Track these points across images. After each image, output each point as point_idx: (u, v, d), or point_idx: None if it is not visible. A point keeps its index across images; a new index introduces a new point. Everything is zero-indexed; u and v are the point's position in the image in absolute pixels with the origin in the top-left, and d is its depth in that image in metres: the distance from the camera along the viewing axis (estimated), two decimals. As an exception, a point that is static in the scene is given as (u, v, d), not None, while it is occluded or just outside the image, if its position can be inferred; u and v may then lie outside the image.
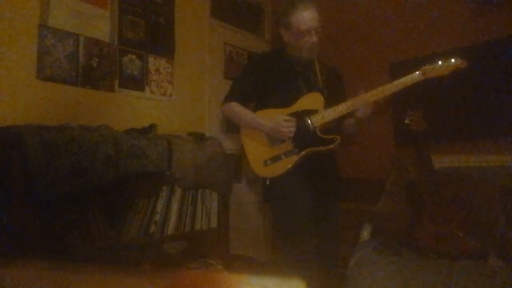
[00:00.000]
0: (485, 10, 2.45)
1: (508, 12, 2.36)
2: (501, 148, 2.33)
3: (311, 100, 1.84)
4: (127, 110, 2.52)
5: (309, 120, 1.80)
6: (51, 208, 1.75)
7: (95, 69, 2.36)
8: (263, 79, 1.90)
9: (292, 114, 1.82)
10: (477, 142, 2.43)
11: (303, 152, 1.78)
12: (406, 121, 1.94)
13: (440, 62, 1.73)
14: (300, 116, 1.81)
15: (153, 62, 2.69)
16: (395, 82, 1.75)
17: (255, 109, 1.96)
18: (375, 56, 2.96)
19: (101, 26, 2.41)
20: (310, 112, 1.81)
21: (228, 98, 1.95)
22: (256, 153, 1.84)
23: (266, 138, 1.84)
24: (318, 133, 1.79)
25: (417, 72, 1.73)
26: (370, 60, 2.97)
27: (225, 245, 2.58)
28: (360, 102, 1.78)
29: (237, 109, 1.90)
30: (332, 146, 1.78)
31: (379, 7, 2.97)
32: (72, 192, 1.79)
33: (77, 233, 1.83)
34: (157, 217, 2.21)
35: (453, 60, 1.72)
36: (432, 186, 1.95)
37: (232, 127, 3.24)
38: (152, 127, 2.41)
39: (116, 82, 2.47)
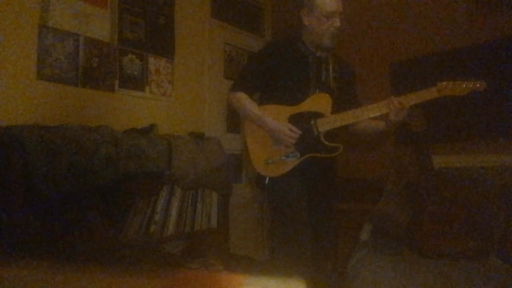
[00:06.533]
0: (485, 10, 2.45)
1: (508, 12, 2.36)
2: (501, 148, 2.33)
3: (319, 102, 1.78)
4: (127, 110, 2.52)
5: (314, 125, 1.76)
6: (51, 208, 1.75)
7: (95, 69, 2.36)
8: (273, 70, 1.83)
9: (298, 114, 1.78)
10: (477, 142, 2.43)
11: (304, 157, 1.76)
12: (406, 121, 1.94)
13: (458, 81, 1.65)
14: (306, 117, 1.77)
15: (153, 62, 2.68)
16: (410, 96, 1.70)
17: (260, 101, 1.90)
18: (375, 56, 2.96)
19: (101, 26, 2.40)
20: (316, 115, 1.77)
21: (235, 87, 1.89)
22: (259, 150, 1.81)
23: (269, 137, 1.80)
24: (322, 139, 1.76)
25: (433, 88, 1.67)
26: (370, 60, 2.96)
27: (225, 245, 2.59)
28: (364, 115, 1.74)
29: (244, 100, 1.84)
30: (333, 154, 1.76)
31: (379, 7, 2.97)
32: (72, 192, 1.79)
33: (77, 233, 1.83)
34: (157, 217, 2.21)
35: (473, 83, 1.65)
36: (432, 186, 1.95)
37: (232, 127, 3.24)
38: (152, 127, 2.40)
39: (116, 82, 2.47)
